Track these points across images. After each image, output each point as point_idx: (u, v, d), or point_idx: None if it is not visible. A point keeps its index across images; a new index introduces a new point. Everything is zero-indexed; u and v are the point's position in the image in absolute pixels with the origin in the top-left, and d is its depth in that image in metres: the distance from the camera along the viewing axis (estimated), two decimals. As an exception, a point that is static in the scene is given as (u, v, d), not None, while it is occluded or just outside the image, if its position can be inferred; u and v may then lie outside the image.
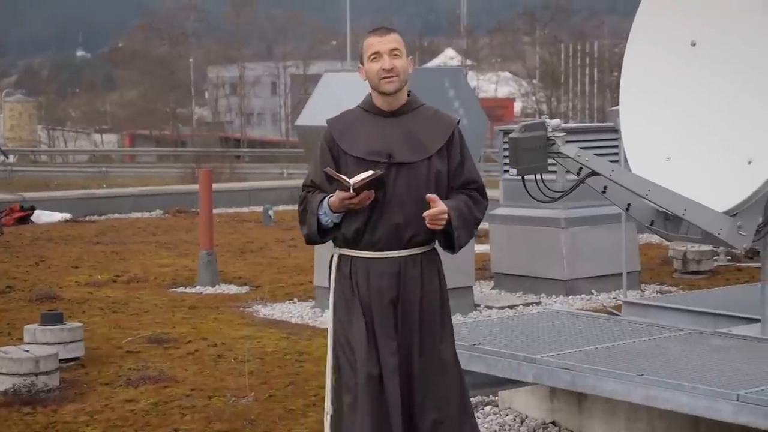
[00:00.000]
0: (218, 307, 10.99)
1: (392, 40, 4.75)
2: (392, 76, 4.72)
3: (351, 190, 4.57)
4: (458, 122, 4.90)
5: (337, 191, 4.66)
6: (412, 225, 4.73)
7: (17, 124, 65.54)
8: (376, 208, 4.72)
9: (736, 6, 6.16)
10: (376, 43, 4.76)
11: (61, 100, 71.68)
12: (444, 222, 4.66)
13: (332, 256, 4.92)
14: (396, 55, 4.73)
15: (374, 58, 4.74)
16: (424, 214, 4.63)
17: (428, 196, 4.64)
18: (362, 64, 4.82)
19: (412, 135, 4.78)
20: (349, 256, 4.83)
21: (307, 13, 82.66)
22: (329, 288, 4.92)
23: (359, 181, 4.57)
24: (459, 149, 4.83)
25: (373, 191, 4.61)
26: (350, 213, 4.75)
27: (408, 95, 4.86)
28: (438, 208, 4.63)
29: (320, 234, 4.83)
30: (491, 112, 41.05)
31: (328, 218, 4.77)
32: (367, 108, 4.88)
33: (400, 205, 4.72)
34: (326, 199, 4.76)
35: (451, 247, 4.80)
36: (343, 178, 4.59)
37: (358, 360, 4.74)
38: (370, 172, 4.59)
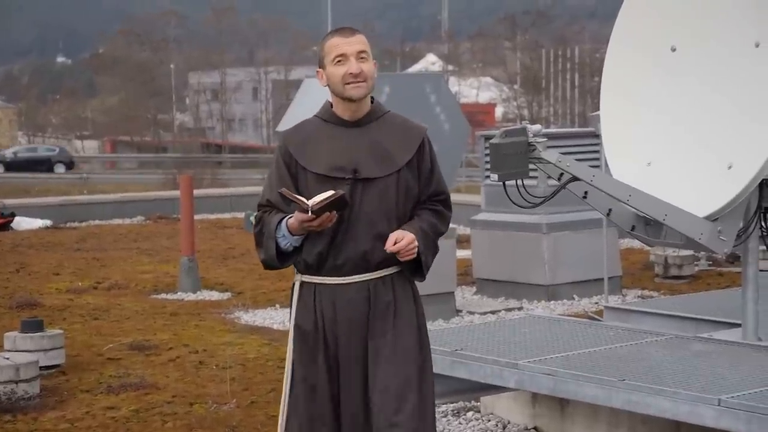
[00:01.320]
0: (200, 314, 10.97)
1: (359, 42, 4.28)
2: (360, 81, 4.25)
3: (309, 213, 4.08)
4: (426, 130, 4.45)
5: (296, 213, 4.15)
6: (380, 244, 4.24)
7: (-3, 130, 65.36)
8: (341, 229, 4.23)
9: (716, 11, 6.18)
10: (341, 44, 4.27)
11: (41, 106, 71.53)
12: (416, 250, 4.23)
13: (293, 284, 4.40)
14: (363, 58, 4.27)
15: (339, 61, 4.25)
16: (391, 250, 4.18)
17: (392, 239, 4.19)
18: (321, 67, 4.33)
19: (378, 146, 4.31)
20: (312, 283, 4.32)
21: (289, 18, 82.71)
22: (290, 319, 4.41)
23: (318, 203, 4.08)
24: (429, 160, 4.40)
25: (335, 212, 4.13)
26: (310, 235, 4.26)
27: (371, 102, 4.39)
28: (407, 238, 4.20)
29: (279, 259, 4.29)
30: (472, 117, 41.14)
31: (287, 241, 4.25)
32: (327, 118, 4.37)
33: (368, 224, 4.25)
34: (285, 220, 4.24)
35: (420, 273, 4.34)
36: (300, 200, 4.10)
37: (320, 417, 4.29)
38: (331, 192, 4.09)
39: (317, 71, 4.36)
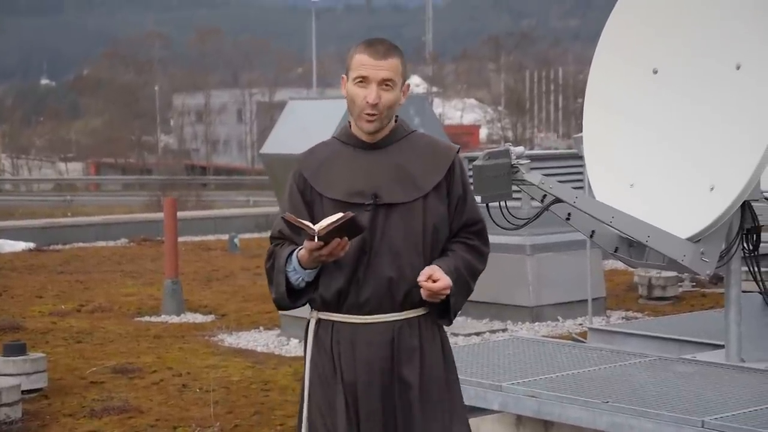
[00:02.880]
0: (183, 336, 10.93)
1: (389, 67, 3.82)
2: (373, 114, 3.82)
3: (316, 239, 3.67)
4: (458, 151, 4.01)
5: (305, 241, 3.73)
6: (408, 279, 3.81)
7: (-19, 152, 65.16)
8: (362, 262, 3.81)
9: (699, 32, 6.20)
10: (368, 65, 3.81)
11: (25, 128, 71.31)
12: (443, 297, 3.82)
13: (308, 321, 3.95)
14: (388, 86, 3.81)
15: (360, 82, 3.82)
16: (423, 285, 3.76)
17: (428, 272, 3.77)
18: (346, 75, 3.88)
19: (402, 169, 3.88)
20: (329, 321, 3.88)
21: (273, 40, 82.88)
22: (304, 360, 3.95)
23: (325, 227, 3.66)
24: (461, 184, 3.94)
25: (346, 239, 3.70)
26: (327, 268, 3.83)
27: (395, 121, 3.95)
28: (441, 283, 3.76)
29: (291, 297, 3.86)
30: (457, 138, 41.17)
31: (298, 276, 3.82)
32: (345, 139, 3.95)
33: (392, 255, 3.81)
34: (295, 252, 3.82)
35: (447, 316, 3.92)
36: (305, 225, 3.68)
37: None
38: (339, 215, 3.67)
39: (342, 77, 3.92)
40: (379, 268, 3.81)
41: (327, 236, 3.67)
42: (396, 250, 3.82)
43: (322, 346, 3.88)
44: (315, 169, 3.93)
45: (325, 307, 3.88)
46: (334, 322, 3.87)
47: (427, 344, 3.88)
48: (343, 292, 3.83)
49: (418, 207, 3.85)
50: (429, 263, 3.85)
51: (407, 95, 3.94)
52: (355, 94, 3.83)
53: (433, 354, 3.89)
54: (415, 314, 3.87)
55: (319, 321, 3.91)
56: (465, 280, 3.91)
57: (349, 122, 3.96)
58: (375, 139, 3.90)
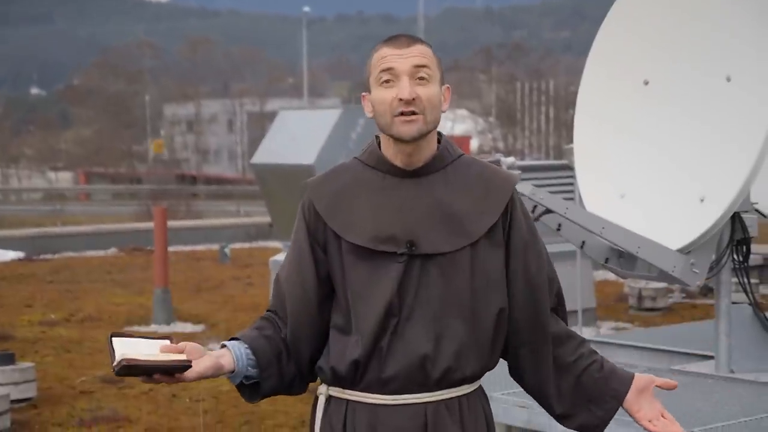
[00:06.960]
0: (173, 346, 10.92)
1: (418, 54, 2.91)
2: (413, 114, 2.88)
3: (115, 371, 2.83)
4: (516, 182, 3.14)
5: None
6: (447, 353, 2.96)
7: (-30, 161, 65.05)
8: (387, 327, 2.93)
9: (687, 44, 6.23)
10: (391, 57, 2.91)
11: (15, 137, 71.26)
12: None
13: (316, 398, 3.07)
14: (423, 78, 2.90)
15: (387, 81, 2.91)
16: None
17: (660, 409, 3.18)
18: (367, 88, 2.98)
19: (445, 207, 2.98)
20: (343, 399, 3.00)
21: (264, 50, 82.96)
22: None
23: (117, 363, 2.81)
24: (526, 225, 3.16)
25: (157, 377, 2.86)
26: (339, 335, 2.99)
27: (439, 142, 3.03)
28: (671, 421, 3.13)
29: (246, 393, 3.04)
30: (447, 149, 41.14)
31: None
32: (374, 163, 3.01)
33: (429, 320, 2.95)
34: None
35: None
36: (113, 353, 2.84)
37: None
38: (118, 356, 2.81)
39: (362, 96, 3.03)
40: (411, 338, 2.94)
41: (121, 372, 2.82)
42: (433, 314, 2.95)
43: (333, 431, 3.02)
44: (331, 201, 3.00)
45: (338, 381, 3.01)
46: (348, 401, 3.00)
47: (471, 430, 3.06)
48: (361, 365, 2.95)
49: (464, 259, 2.98)
50: (475, 331, 3.01)
51: (449, 101, 3.02)
52: (382, 98, 2.92)
53: None
54: (455, 394, 3.01)
55: (329, 399, 3.04)
56: None
57: (378, 141, 3.04)
58: (413, 164, 2.98)
